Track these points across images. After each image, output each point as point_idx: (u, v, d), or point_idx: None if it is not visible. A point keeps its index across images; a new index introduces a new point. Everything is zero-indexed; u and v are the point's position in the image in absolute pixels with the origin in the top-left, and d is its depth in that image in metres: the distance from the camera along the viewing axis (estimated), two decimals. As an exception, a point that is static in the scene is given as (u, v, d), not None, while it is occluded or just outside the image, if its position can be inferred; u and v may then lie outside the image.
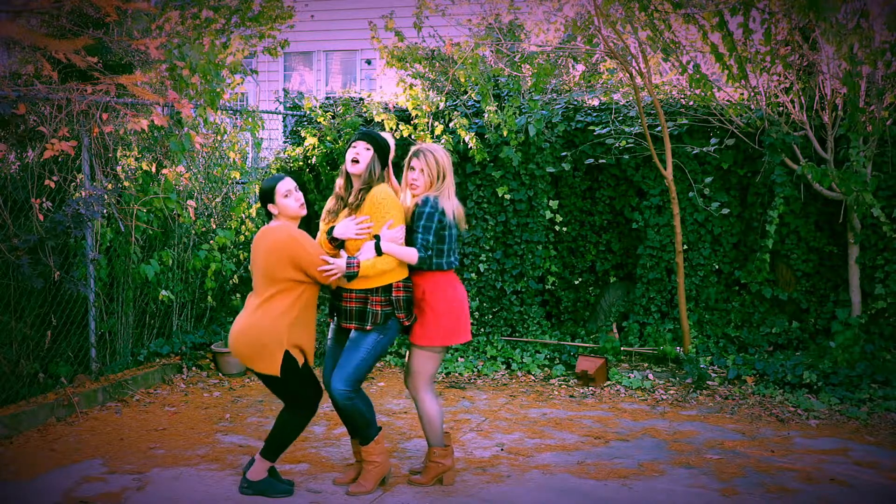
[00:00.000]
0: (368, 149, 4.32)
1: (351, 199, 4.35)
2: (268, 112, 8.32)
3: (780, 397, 6.18)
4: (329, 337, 4.56)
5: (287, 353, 4.18)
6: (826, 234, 7.15)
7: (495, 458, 5.02)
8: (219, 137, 7.31)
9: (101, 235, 6.07)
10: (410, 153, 4.48)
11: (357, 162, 4.31)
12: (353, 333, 4.34)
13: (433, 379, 4.53)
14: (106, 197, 6.05)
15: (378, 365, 7.30)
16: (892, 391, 6.08)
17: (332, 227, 4.31)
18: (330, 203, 4.48)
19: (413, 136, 7.52)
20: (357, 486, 4.45)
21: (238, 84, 7.47)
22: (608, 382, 6.69)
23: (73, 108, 5.51)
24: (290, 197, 4.23)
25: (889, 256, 6.79)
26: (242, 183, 7.52)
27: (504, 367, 7.14)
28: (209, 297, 7.28)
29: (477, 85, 7.22)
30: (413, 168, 4.44)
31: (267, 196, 4.26)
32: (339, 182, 4.46)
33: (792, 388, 6.33)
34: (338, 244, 4.32)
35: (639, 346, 7.28)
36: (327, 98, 8.80)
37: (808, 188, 6.96)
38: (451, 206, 4.41)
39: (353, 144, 4.37)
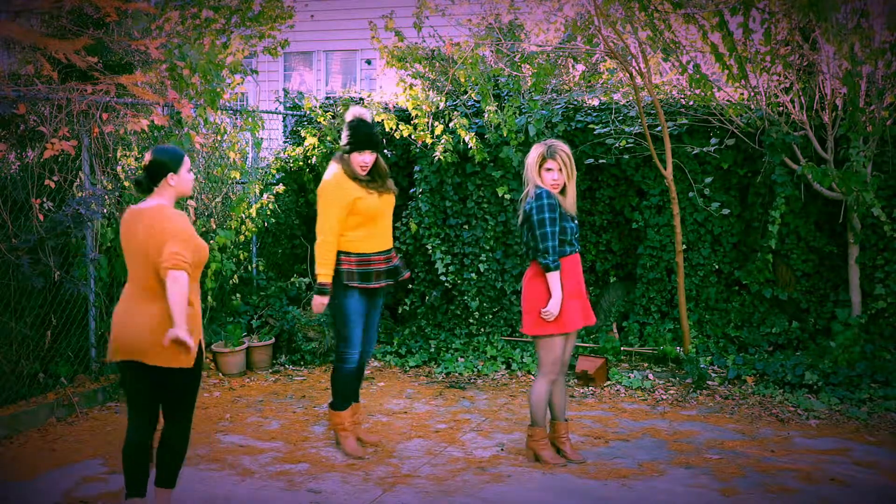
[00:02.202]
0: (372, 154, 4.95)
1: (385, 187, 5.05)
2: (268, 112, 8.32)
3: (780, 397, 6.18)
4: (360, 306, 4.98)
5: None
6: (826, 234, 7.15)
7: (495, 458, 5.02)
8: (219, 137, 7.30)
9: (101, 235, 6.07)
10: (539, 154, 4.63)
11: (366, 168, 4.96)
12: (380, 300, 5.11)
13: (551, 366, 4.76)
14: (106, 197, 6.05)
15: (378, 365, 7.30)
16: (892, 391, 6.08)
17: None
18: (358, 185, 4.93)
19: (413, 136, 7.52)
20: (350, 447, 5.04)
21: (238, 84, 7.46)
22: (608, 382, 6.69)
23: (73, 108, 5.50)
24: (190, 172, 3.91)
25: (889, 256, 6.79)
26: (242, 183, 7.51)
27: (504, 367, 7.14)
28: (209, 297, 7.27)
29: (477, 85, 7.22)
30: (551, 169, 4.57)
31: (176, 164, 3.81)
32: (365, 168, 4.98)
33: (792, 388, 6.33)
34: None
35: (639, 346, 7.28)
36: (327, 98, 8.79)
37: (808, 188, 6.95)
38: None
39: (364, 152, 4.92)
